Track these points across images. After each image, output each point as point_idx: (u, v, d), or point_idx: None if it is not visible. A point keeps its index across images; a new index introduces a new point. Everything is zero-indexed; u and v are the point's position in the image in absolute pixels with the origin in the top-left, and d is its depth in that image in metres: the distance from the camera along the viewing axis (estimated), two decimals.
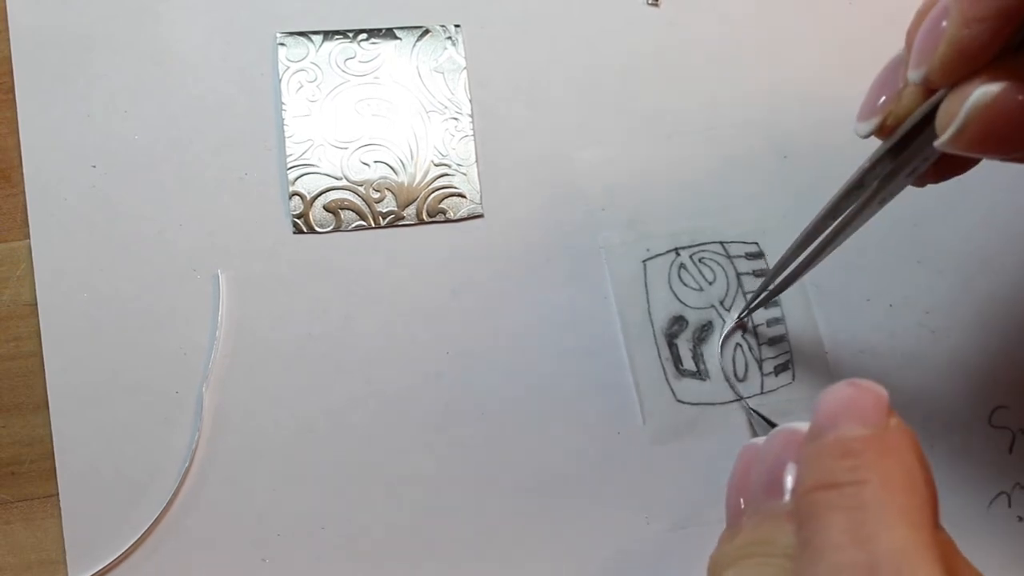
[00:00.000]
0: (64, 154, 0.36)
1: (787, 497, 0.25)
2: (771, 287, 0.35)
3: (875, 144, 0.28)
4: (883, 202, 0.29)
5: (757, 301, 0.36)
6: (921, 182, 0.29)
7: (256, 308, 0.36)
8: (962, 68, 0.24)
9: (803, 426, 0.25)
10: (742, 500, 0.28)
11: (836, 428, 0.23)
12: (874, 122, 0.27)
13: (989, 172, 0.39)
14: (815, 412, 0.24)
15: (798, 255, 0.33)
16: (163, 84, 0.37)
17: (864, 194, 0.29)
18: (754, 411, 0.36)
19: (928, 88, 0.25)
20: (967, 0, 0.23)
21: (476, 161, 0.38)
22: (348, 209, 0.37)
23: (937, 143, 0.24)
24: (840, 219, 0.30)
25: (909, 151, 0.27)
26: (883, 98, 0.27)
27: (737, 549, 0.25)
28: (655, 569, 0.35)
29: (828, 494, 0.22)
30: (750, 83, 0.40)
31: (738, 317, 0.37)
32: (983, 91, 0.23)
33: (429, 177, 0.37)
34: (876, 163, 0.28)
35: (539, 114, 0.39)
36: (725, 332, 0.37)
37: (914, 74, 0.25)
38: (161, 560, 0.34)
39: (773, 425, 0.36)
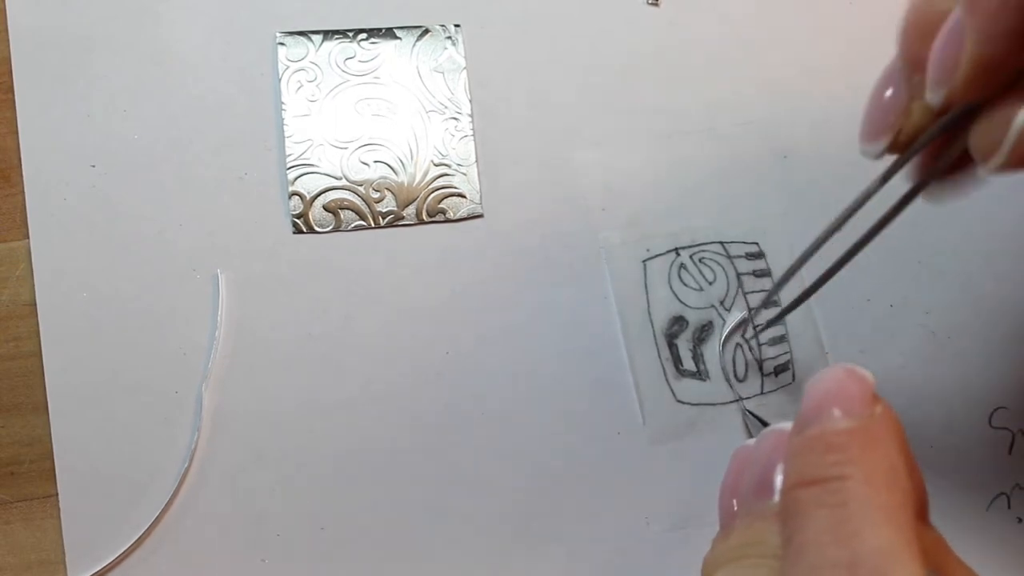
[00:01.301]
0: (64, 154, 0.36)
1: (777, 498, 0.25)
2: (779, 303, 0.34)
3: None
4: (895, 214, 0.28)
5: (769, 321, 0.36)
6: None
7: (256, 308, 0.36)
8: (989, 85, 0.23)
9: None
10: (735, 502, 0.28)
11: (820, 420, 0.23)
12: (884, 142, 0.26)
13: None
14: (803, 402, 0.24)
15: (799, 268, 0.32)
16: (163, 84, 0.37)
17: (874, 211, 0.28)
18: (750, 412, 0.36)
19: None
20: (983, 16, 0.22)
21: (476, 161, 0.38)
22: (348, 209, 0.37)
23: (984, 170, 0.24)
24: (855, 242, 0.29)
25: (925, 165, 0.26)
26: (889, 116, 0.26)
27: (729, 550, 0.25)
28: (655, 569, 0.35)
29: (811, 490, 0.22)
30: (750, 83, 0.40)
31: (743, 329, 0.37)
32: None
33: (429, 177, 0.37)
34: (885, 180, 0.27)
35: (539, 114, 0.39)
36: (725, 333, 0.37)
37: (934, 96, 0.24)
38: (160, 560, 0.34)
39: (767, 426, 0.36)
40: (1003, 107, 0.23)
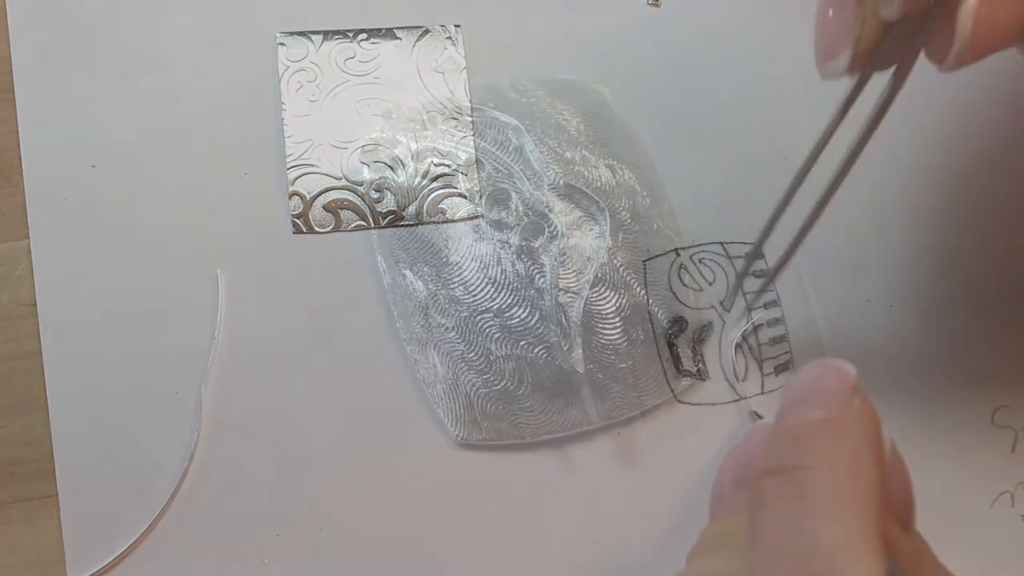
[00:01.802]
0: (64, 154, 0.36)
1: None
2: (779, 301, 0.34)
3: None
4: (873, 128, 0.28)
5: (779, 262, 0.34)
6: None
7: (256, 308, 0.36)
8: None
9: None
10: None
11: (795, 413, 0.23)
12: (847, 54, 0.25)
13: (989, 171, 0.39)
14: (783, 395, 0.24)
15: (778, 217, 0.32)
16: (163, 84, 0.37)
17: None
18: (756, 413, 0.36)
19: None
20: None
21: (476, 161, 0.38)
22: (348, 209, 0.37)
23: (943, 69, 0.24)
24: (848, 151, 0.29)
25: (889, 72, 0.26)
26: (842, 30, 0.25)
27: (708, 538, 0.26)
28: (655, 569, 0.35)
29: (774, 480, 0.22)
30: (750, 83, 0.40)
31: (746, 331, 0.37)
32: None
33: (429, 177, 0.37)
34: (845, 109, 0.27)
35: (539, 114, 0.38)
36: (728, 336, 0.37)
37: (888, 10, 0.24)
38: (160, 560, 0.34)
39: None
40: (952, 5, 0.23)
